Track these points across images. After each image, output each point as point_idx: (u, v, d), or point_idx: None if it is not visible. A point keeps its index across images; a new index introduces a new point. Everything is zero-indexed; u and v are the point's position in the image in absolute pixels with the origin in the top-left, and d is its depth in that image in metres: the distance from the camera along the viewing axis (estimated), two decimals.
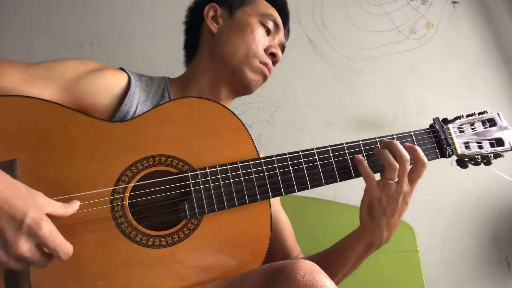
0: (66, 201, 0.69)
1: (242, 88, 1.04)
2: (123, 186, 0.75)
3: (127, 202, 0.75)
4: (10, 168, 0.67)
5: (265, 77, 1.04)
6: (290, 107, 1.74)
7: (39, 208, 0.61)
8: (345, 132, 1.71)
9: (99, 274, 0.71)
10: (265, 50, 1.03)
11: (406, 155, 0.82)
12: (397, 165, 0.81)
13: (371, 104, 1.74)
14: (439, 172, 1.57)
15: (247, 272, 0.71)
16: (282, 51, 1.12)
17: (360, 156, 0.86)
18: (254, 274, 0.69)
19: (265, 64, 1.02)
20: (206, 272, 0.76)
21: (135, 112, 0.90)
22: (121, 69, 0.97)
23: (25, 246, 0.58)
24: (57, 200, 0.67)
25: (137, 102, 0.92)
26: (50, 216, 0.63)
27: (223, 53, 1.02)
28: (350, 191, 1.55)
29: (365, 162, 0.85)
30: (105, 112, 0.88)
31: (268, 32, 1.05)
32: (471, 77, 1.75)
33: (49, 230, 0.60)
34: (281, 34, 1.09)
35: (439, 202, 1.63)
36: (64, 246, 0.63)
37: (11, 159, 0.69)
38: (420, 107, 1.73)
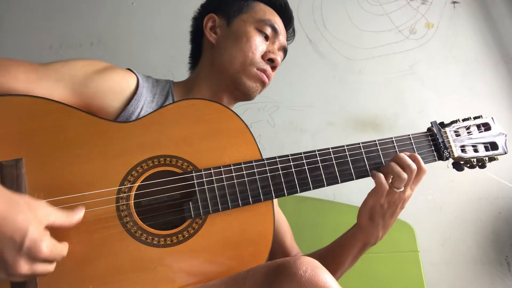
0: (72, 207, 0.69)
1: (242, 95, 1.04)
2: (128, 185, 0.75)
3: (133, 201, 0.75)
4: (16, 167, 0.67)
5: (263, 84, 1.03)
6: (290, 107, 1.74)
7: (40, 222, 0.60)
8: (345, 132, 1.71)
9: (104, 273, 0.71)
10: (263, 57, 1.02)
11: (414, 166, 0.86)
12: (406, 176, 0.85)
13: (371, 104, 1.74)
14: (439, 172, 1.58)
15: (249, 269, 0.72)
16: (285, 53, 1.12)
17: (375, 172, 0.88)
18: (257, 270, 0.70)
19: (263, 71, 1.02)
20: (210, 271, 0.77)
21: (139, 113, 0.90)
22: (129, 69, 0.96)
23: (25, 268, 0.58)
24: (64, 200, 0.67)
25: (143, 103, 0.92)
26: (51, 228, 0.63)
27: (221, 62, 1.02)
28: (350, 191, 1.56)
29: (381, 175, 0.87)
30: (111, 113, 0.87)
31: (266, 38, 1.04)
32: (471, 77, 1.75)
33: (48, 249, 0.60)
34: (281, 38, 1.07)
35: (439, 202, 1.63)
36: (61, 252, 0.64)
37: (17, 158, 0.68)
38: (420, 107, 1.73)
